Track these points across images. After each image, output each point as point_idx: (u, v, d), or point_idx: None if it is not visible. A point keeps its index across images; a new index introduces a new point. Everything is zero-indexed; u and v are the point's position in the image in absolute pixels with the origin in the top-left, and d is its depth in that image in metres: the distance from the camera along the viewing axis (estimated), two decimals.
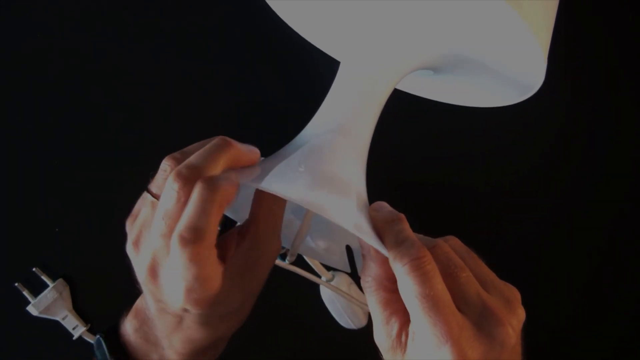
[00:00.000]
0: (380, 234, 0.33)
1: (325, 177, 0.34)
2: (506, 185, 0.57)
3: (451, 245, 0.33)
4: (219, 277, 0.31)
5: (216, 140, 0.33)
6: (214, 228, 0.30)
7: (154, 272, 0.31)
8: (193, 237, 0.29)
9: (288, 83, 0.56)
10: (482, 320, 0.30)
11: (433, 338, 0.29)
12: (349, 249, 0.43)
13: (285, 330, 0.57)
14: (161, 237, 0.31)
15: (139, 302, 0.37)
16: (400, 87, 0.41)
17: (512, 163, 0.57)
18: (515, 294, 0.32)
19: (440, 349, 0.29)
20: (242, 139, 0.35)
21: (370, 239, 0.32)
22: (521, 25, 0.33)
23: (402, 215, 0.34)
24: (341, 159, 0.35)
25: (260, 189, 0.32)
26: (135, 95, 0.55)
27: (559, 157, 0.57)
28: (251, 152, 0.34)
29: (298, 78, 0.55)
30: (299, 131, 0.37)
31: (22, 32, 0.54)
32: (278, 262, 0.44)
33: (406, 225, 0.33)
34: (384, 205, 0.35)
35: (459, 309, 0.30)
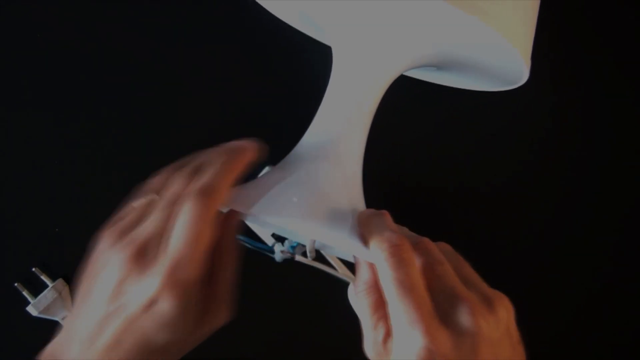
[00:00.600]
0: (363, 229, 0.34)
1: (318, 205, 0.35)
2: (504, 185, 0.57)
3: (440, 248, 0.34)
4: (201, 260, 0.31)
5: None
6: (224, 187, 0.33)
7: (140, 250, 0.32)
8: (207, 191, 0.31)
9: (283, 84, 0.56)
10: (453, 310, 0.30)
11: (405, 324, 0.29)
12: None
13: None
14: (161, 218, 0.32)
15: (50, 347, 0.36)
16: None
17: (509, 162, 0.57)
18: (498, 297, 0.32)
19: (411, 335, 0.29)
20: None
21: (358, 250, 0.33)
22: (486, 29, 0.34)
23: (385, 211, 0.35)
24: (333, 183, 0.37)
25: (258, 217, 0.34)
26: (136, 96, 0.55)
27: (556, 154, 0.57)
28: (247, 150, 0.35)
29: (293, 78, 0.55)
30: (294, 133, 0.38)
31: (22, 32, 0.54)
32: (302, 259, 0.46)
33: (388, 218, 0.34)
34: (368, 209, 0.36)
35: (434, 300, 0.31)
